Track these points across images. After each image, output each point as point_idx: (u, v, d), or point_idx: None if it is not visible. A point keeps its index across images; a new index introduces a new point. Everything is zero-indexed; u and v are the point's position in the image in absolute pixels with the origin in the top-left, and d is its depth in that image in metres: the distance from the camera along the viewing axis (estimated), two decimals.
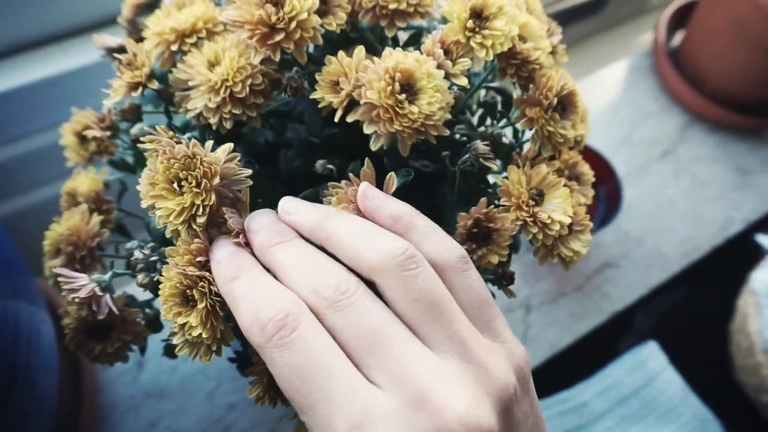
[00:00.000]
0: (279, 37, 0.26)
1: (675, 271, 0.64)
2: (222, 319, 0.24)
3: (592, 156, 0.58)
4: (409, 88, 0.25)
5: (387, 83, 0.24)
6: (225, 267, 0.23)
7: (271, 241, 0.23)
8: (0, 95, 0.43)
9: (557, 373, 0.57)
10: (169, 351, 0.32)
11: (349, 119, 0.25)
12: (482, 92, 0.36)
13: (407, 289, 0.22)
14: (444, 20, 0.32)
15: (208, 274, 0.24)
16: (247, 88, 0.26)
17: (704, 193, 0.69)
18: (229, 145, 0.25)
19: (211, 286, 0.23)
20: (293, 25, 0.26)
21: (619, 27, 0.84)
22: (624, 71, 0.78)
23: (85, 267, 0.29)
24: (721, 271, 0.64)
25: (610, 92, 0.76)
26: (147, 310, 0.31)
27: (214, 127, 0.27)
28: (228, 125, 0.27)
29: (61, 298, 0.50)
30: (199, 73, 0.26)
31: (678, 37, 0.78)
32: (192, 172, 0.24)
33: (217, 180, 0.24)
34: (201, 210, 0.23)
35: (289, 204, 0.25)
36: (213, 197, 0.24)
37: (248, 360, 0.33)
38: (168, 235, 0.24)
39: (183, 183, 0.24)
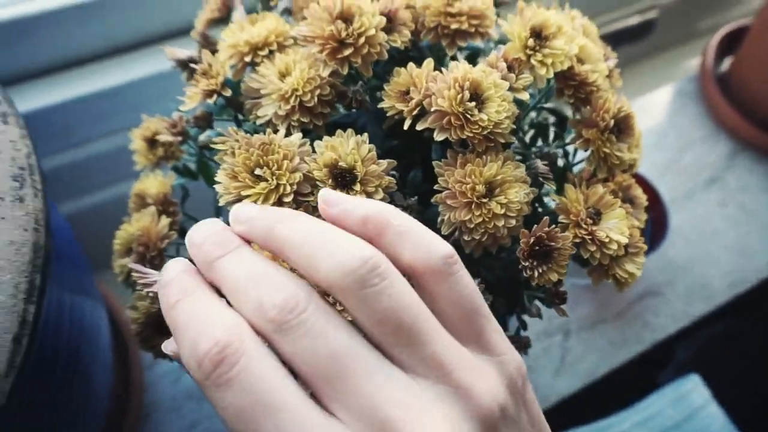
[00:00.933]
0: (347, 52, 0.27)
1: (720, 302, 0.62)
2: None
3: (638, 181, 0.58)
4: (477, 97, 0.26)
5: (457, 92, 0.25)
6: (170, 290, 0.20)
7: (213, 253, 0.20)
8: (71, 101, 0.46)
9: (593, 402, 0.56)
10: None
11: (419, 127, 0.26)
12: (532, 114, 0.37)
13: (371, 309, 0.18)
14: (500, 41, 0.33)
15: None
16: (315, 98, 0.27)
17: (752, 223, 0.68)
18: (299, 134, 0.27)
19: None
20: (362, 40, 0.27)
21: (666, 51, 0.83)
22: (670, 96, 0.77)
23: (154, 267, 0.30)
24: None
25: (656, 117, 0.75)
26: None
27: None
28: (295, 132, 0.28)
29: (115, 300, 0.52)
30: (271, 82, 0.28)
31: (726, 63, 0.77)
32: (272, 156, 0.25)
33: (297, 160, 0.25)
34: (288, 188, 0.25)
35: (240, 210, 0.21)
36: (297, 176, 0.25)
37: None
38: None
39: (264, 169, 0.25)
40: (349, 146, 0.26)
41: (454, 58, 0.32)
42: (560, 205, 0.28)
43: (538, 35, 0.29)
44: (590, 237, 0.27)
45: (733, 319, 0.62)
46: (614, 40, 0.75)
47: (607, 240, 0.27)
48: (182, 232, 0.36)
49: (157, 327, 0.29)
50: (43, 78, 0.46)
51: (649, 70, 0.82)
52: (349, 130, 0.27)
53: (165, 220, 0.31)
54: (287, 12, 0.33)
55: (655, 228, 0.58)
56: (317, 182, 0.26)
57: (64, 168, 0.49)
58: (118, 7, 0.46)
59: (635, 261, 0.29)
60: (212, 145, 0.29)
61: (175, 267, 0.21)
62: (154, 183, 0.34)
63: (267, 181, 0.25)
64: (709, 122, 0.75)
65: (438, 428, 0.17)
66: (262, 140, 0.26)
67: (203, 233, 0.21)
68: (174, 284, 0.20)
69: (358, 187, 0.26)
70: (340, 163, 0.26)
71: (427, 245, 0.20)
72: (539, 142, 0.36)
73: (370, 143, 0.29)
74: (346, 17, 0.27)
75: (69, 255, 0.40)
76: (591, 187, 0.29)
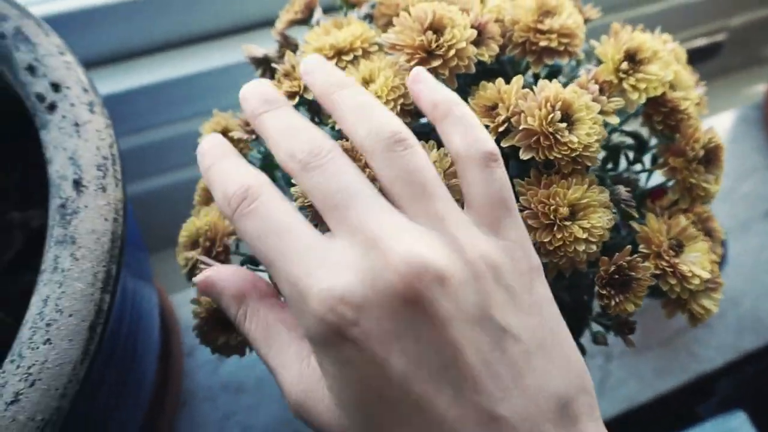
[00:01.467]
0: (436, 63, 0.26)
1: None
2: None
3: None
4: (567, 118, 0.25)
5: (548, 111, 0.25)
6: (205, 156, 0.24)
7: (259, 108, 0.24)
8: (143, 88, 0.46)
9: (631, 429, 0.55)
10: None
11: (504, 144, 0.26)
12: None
13: (390, 167, 0.22)
14: (586, 59, 0.32)
15: None
16: (398, 107, 0.27)
17: None
18: None
19: None
20: (451, 53, 0.26)
21: (730, 75, 0.81)
22: (731, 122, 0.75)
23: (219, 262, 0.30)
24: None
25: None
26: None
27: None
28: None
29: (163, 288, 0.52)
30: None
31: None
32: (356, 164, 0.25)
33: None
34: None
35: (309, 62, 0.26)
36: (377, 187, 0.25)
37: None
38: None
39: None
40: (431, 158, 0.26)
41: (537, 75, 0.31)
42: (642, 234, 0.27)
43: (632, 59, 0.28)
44: (672, 269, 0.26)
45: None
46: None
47: (689, 274, 0.26)
48: None
49: (217, 322, 0.29)
50: (116, 64, 0.47)
51: (712, 93, 0.79)
52: (431, 141, 0.27)
53: None
54: (369, 17, 0.33)
55: None
56: None
57: (126, 152, 0.50)
58: None
59: (713, 297, 0.28)
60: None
61: (209, 138, 0.25)
62: None
63: None
64: None
65: (415, 245, 0.20)
66: (344, 147, 0.26)
67: (251, 90, 0.25)
68: (209, 151, 0.25)
69: None
70: None
71: (476, 137, 0.23)
72: (609, 164, 0.35)
73: None
74: (437, 28, 0.27)
75: (132, 240, 0.40)
76: (674, 217, 0.28)
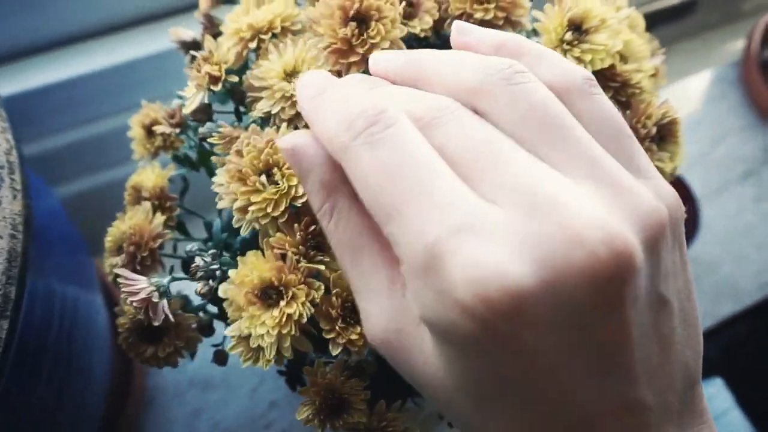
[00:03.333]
0: (354, 59, 0.24)
1: (748, 303, 0.59)
2: (302, 330, 0.23)
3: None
4: None
5: None
6: (310, 85, 0.20)
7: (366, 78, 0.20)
8: (68, 80, 0.43)
9: None
10: (219, 358, 0.32)
11: None
12: None
13: (515, 102, 0.17)
14: (536, 31, 0.30)
15: (313, 281, 0.23)
16: None
17: None
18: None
19: (309, 296, 0.22)
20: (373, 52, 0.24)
21: (706, 33, 0.78)
22: (708, 82, 0.72)
23: (145, 268, 0.28)
24: None
25: (691, 105, 0.71)
26: (201, 314, 0.31)
27: None
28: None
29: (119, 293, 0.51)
30: (273, 85, 0.25)
31: None
32: (282, 157, 0.23)
33: None
34: (301, 190, 0.23)
35: (377, 56, 0.21)
36: None
37: (299, 378, 0.32)
38: (245, 232, 0.24)
39: (275, 171, 0.23)
40: None
41: None
42: None
43: (578, 28, 0.25)
44: None
45: (761, 320, 0.59)
46: (652, 21, 0.70)
47: None
48: (180, 228, 0.34)
49: (143, 334, 0.27)
50: (40, 56, 0.44)
51: (688, 52, 0.77)
52: None
53: (159, 218, 0.29)
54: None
55: (686, 225, 0.55)
56: None
57: (64, 149, 0.47)
58: None
59: None
60: (210, 140, 0.26)
61: (313, 73, 0.20)
62: (151, 176, 0.31)
63: (277, 184, 0.23)
64: (749, 112, 0.70)
65: (598, 211, 0.15)
66: (270, 136, 0.23)
67: (346, 80, 0.20)
68: (315, 82, 0.19)
69: None
70: None
71: (565, 66, 0.19)
72: None
73: None
74: (363, 17, 0.24)
75: (62, 242, 0.38)
76: None
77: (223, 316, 0.29)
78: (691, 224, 0.55)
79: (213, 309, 0.31)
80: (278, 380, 0.53)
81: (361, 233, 0.19)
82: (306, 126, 0.25)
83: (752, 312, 0.59)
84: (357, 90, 0.19)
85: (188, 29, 0.34)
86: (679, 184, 0.54)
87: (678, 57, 0.76)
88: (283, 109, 0.25)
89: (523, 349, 0.15)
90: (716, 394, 0.54)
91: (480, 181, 0.16)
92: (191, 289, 0.30)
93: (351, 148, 0.17)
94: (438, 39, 0.30)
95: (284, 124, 0.25)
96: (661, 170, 0.27)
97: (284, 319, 0.22)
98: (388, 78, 0.20)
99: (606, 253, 0.15)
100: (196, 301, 0.31)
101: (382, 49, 0.24)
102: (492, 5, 0.26)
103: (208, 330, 0.31)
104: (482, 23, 0.27)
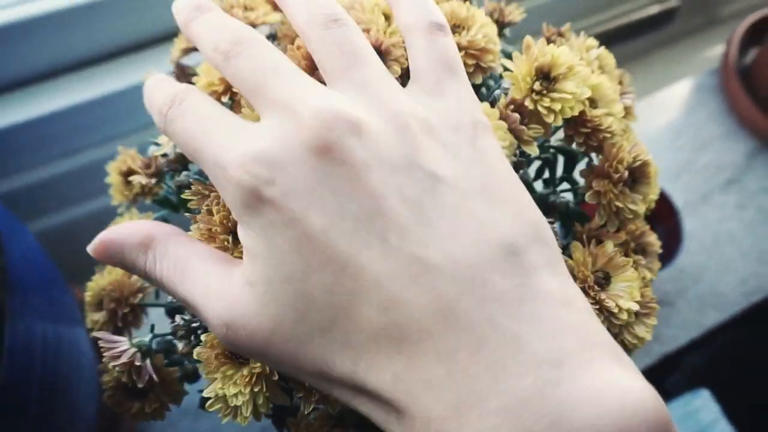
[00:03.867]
0: None
1: (734, 312, 0.60)
2: (273, 386, 0.23)
3: None
4: None
5: None
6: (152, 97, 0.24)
7: (189, 15, 0.24)
8: (43, 117, 0.43)
9: None
10: (205, 404, 0.32)
11: None
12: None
13: (323, 44, 0.22)
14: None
15: None
16: None
17: None
18: None
19: None
20: None
21: (686, 39, 0.79)
22: (688, 90, 0.73)
23: (127, 323, 0.28)
24: None
25: (672, 113, 0.71)
26: (186, 362, 0.31)
27: None
28: None
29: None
30: None
31: (752, 54, 0.73)
32: None
33: None
34: None
35: None
36: None
37: (284, 416, 0.32)
38: None
39: None
40: None
41: None
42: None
43: (546, 76, 0.26)
44: (597, 306, 0.25)
45: (747, 329, 0.60)
46: (632, 31, 0.70)
47: (616, 310, 0.25)
48: None
49: (129, 391, 0.27)
50: (9, 94, 0.44)
51: (668, 61, 0.77)
52: None
53: None
54: (272, 38, 0.30)
55: (669, 242, 0.55)
56: None
57: (39, 184, 0.47)
58: (92, 15, 0.43)
59: (646, 323, 0.27)
60: (183, 196, 0.26)
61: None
62: None
63: None
64: (730, 119, 0.71)
65: (327, 99, 0.20)
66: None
67: (183, 3, 0.24)
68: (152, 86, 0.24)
69: None
70: None
71: (424, 10, 0.24)
72: (546, 174, 0.33)
73: None
74: None
75: (40, 281, 0.38)
76: (600, 246, 0.26)
77: None
78: (674, 237, 0.55)
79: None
80: None
81: (181, 258, 0.22)
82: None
83: (737, 321, 0.60)
84: (162, 83, 0.24)
85: (160, 71, 0.34)
86: (663, 200, 0.55)
87: (658, 65, 0.77)
88: None
89: (293, 215, 0.19)
90: (703, 406, 0.55)
91: (257, 104, 0.21)
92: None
93: (166, 130, 0.23)
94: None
95: None
96: (634, 212, 0.27)
97: (254, 378, 0.22)
98: None
99: (316, 123, 0.19)
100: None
101: None
102: (461, 53, 0.26)
103: (193, 377, 0.31)
104: None
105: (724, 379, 0.57)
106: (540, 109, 0.25)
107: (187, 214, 0.27)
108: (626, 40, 0.71)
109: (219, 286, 0.21)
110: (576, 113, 0.25)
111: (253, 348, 0.20)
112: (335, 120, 0.19)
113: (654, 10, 0.70)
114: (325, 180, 0.19)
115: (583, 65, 0.26)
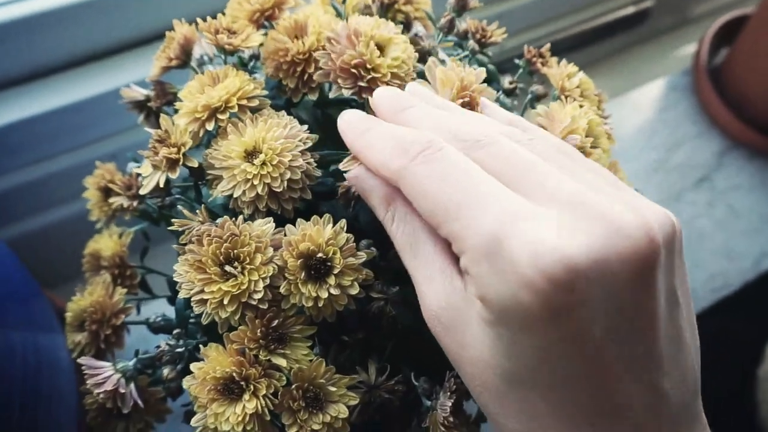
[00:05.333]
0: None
1: (702, 306, 0.62)
2: (265, 423, 0.23)
3: None
4: None
5: None
6: (356, 124, 0.23)
7: (400, 105, 0.23)
8: (23, 121, 0.42)
9: None
10: (189, 418, 0.32)
11: None
12: None
13: (543, 143, 0.22)
14: None
15: (274, 372, 0.23)
16: (285, 184, 0.24)
17: (739, 224, 0.67)
18: (270, 221, 0.25)
19: (270, 387, 0.23)
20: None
21: (658, 39, 0.80)
22: (661, 90, 0.74)
23: (109, 345, 0.28)
24: (751, 308, 0.62)
25: (646, 113, 0.73)
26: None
27: (246, 217, 0.25)
28: (260, 217, 0.25)
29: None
30: (235, 166, 0.25)
31: (723, 54, 0.74)
32: (242, 249, 0.23)
33: (270, 252, 0.23)
34: (260, 285, 0.23)
35: (412, 87, 0.25)
36: (270, 270, 0.23)
37: None
38: (205, 322, 0.23)
39: (235, 264, 0.23)
40: (326, 235, 0.24)
41: None
42: None
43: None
44: None
45: (716, 323, 0.62)
46: (607, 31, 0.71)
47: None
48: (143, 286, 0.33)
49: (110, 412, 0.27)
50: None
51: (642, 60, 0.78)
52: (326, 216, 0.24)
53: (120, 293, 0.29)
54: (255, 58, 0.30)
55: None
56: (287, 276, 0.24)
57: (12, 190, 0.46)
58: (70, 18, 0.42)
59: None
60: (171, 228, 0.26)
61: (353, 111, 0.24)
62: (109, 243, 0.31)
63: (236, 278, 0.23)
64: (701, 119, 0.72)
65: (630, 210, 0.18)
66: (231, 231, 0.23)
67: (384, 94, 0.24)
68: (359, 121, 0.23)
69: (332, 279, 0.24)
70: (318, 254, 0.24)
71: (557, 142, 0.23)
72: None
73: (344, 213, 0.27)
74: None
75: (13, 291, 0.37)
76: None
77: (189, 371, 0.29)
78: None
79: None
80: None
81: (416, 230, 0.22)
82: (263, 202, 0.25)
83: (706, 315, 0.62)
84: (404, 128, 0.22)
85: (142, 89, 0.33)
86: None
87: (633, 65, 0.78)
88: (244, 192, 0.25)
89: (574, 329, 0.17)
90: None
91: (522, 188, 0.19)
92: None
93: (408, 167, 0.20)
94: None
95: (246, 211, 0.25)
96: None
97: (247, 417, 0.22)
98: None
99: (643, 239, 0.17)
100: None
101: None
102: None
103: (177, 393, 0.31)
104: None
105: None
106: None
107: (170, 228, 0.26)
108: (602, 40, 0.72)
109: (441, 284, 0.21)
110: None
111: (453, 351, 0.20)
112: (654, 244, 0.17)
113: (629, 10, 0.70)
114: (628, 303, 0.17)
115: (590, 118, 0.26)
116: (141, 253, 0.34)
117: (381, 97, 0.24)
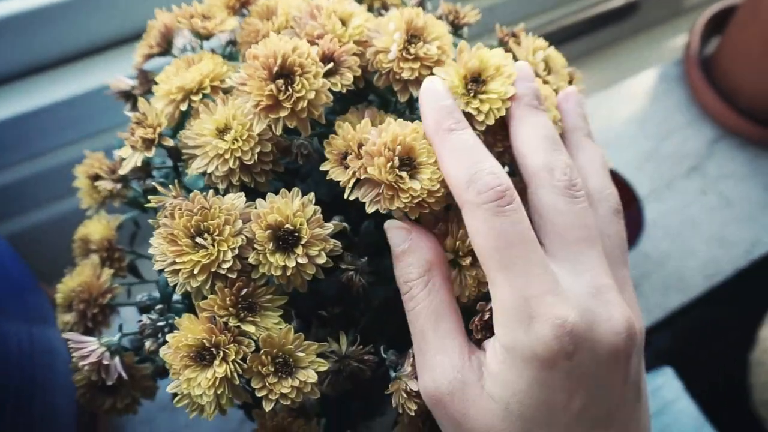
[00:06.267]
0: (283, 114, 0.25)
1: (695, 294, 0.62)
2: (235, 387, 0.24)
3: (614, 179, 0.57)
4: (410, 162, 0.25)
5: (387, 158, 0.24)
6: (438, 115, 0.25)
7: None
8: (12, 118, 0.43)
9: None
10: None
11: (351, 197, 0.25)
12: None
13: (568, 210, 0.25)
14: None
15: (243, 338, 0.24)
16: (256, 156, 0.26)
17: (731, 212, 0.67)
18: (241, 195, 0.26)
19: (239, 353, 0.24)
20: (301, 104, 0.25)
21: (650, 30, 0.80)
22: (653, 81, 0.75)
23: (96, 324, 0.29)
24: (743, 295, 0.63)
25: (638, 103, 0.73)
26: (156, 358, 0.31)
27: (221, 192, 0.26)
28: (234, 191, 0.26)
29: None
30: (207, 143, 0.26)
31: (714, 44, 0.75)
32: (213, 222, 0.24)
33: (239, 224, 0.24)
34: (229, 255, 0.24)
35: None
36: (239, 241, 0.24)
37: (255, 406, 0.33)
38: (179, 293, 0.24)
39: (205, 236, 0.24)
40: (294, 207, 0.25)
41: (411, 101, 0.30)
42: None
43: (477, 80, 0.27)
44: None
45: (708, 310, 0.62)
46: (598, 22, 0.72)
47: None
48: (132, 270, 0.34)
49: (100, 388, 0.28)
50: None
51: (633, 51, 0.79)
52: (295, 189, 0.25)
53: (107, 273, 0.30)
54: (232, 44, 0.31)
55: (631, 228, 0.57)
56: (256, 246, 0.25)
57: (8, 186, 0.47)
58: (63, 14, 0.43)
59: None
60: (148, 205, 0.27)
61: (444, 90, 0.26)
62: (98, 227, 0.32)
63: (206, 249, 0.24)
64: (693, 108, 0.73)
65: (626, 311, 0.24)
66: (202, 204, 0.24)
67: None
68: (442, 112, 0.25)
69: (300, 249, 0.25)
70: (286, 225, 0.25)
71: (606, 184, 0.29)
72: None
73: (317, 191, 0.28)
74: (287, 73, 0.25)
75: (11, 282, 0.39)
76: None
77: None
78: (635, 224, 0.57)
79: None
80: None
81: (445, 306, 0.25)
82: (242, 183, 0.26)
83: (699, 303, 0.62)
84: (484, 150, 0.25)
85: (129, 79, 0.34)
86: (622, 184, 0.57)
87: (624, 56, 0.78)
88: (217, 167, 0.26)
89: (565, 389, 0.23)
90: (666, 383, 0.57)
91: (560, 251, 0.25)
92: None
93: (480, 209, 0.23)
94: (368, 86, 0.31)
95: (221, 187, 0.26)
96: None
97: (217, 381, 0.23)
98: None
99: (627, 334, 0.24)
100: None
101: (309, 101, 0.25)
102: (417, 65, 0.27)
103: (163, 373, 0.32)
104: (408, 81, 0.28)
105: (686, 358, 0.60)
106: (471, 110, 0.26)
107: (147, 206, 0.27)
108: (593, 32, 0.73)
109: (459, 359, 0.24)
110: (503, 113, 0.26)
111: (454, 421, 0.24)
112: (634, 337, 0.24)
113: (620, 2, 0.71)
114: (604, 376, 0.24)
115: (510, 66, 0.27)
116: (130, 238, 0.35)
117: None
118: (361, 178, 0.24)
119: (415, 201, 0.24)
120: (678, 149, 0.71)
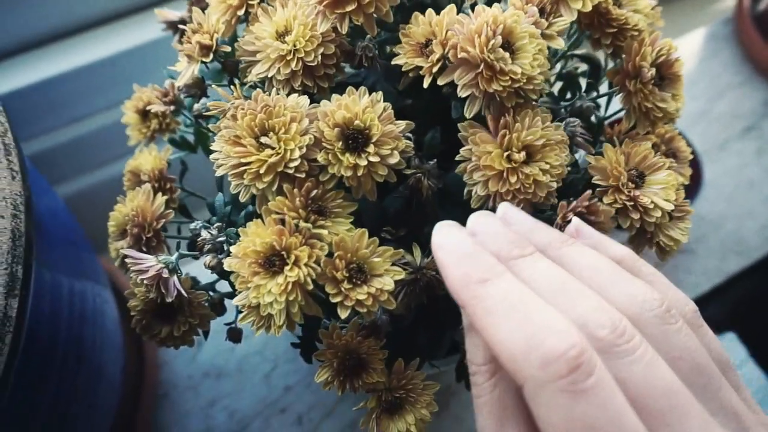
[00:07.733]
0: (350, 8, 0.24)
1: (755, 257, 0.59)
2: (307, 296, 0.23)
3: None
4: (508, 46, 0.23)
5: (488, 37, 0.22)
6: (466, 262, 0.18)
7: (510, 252, 0.19)
8: (60, 76, 0.43)
9: None
10: (233, 335, 0.31)
11: (441, 81, 0.23)
12: (558, 64, 0.33)
13: (671, 344, 0.18)
14: None
15: (316, 241, 0.22)
16: (319, 58, 0.24)
17: None
18: (304, 97, 0.24)
19: (312, 257, 0.22)
20: None
21: None
22: (701, 40, 0.72)
23: (151, 249, 0.28)
24: None
25: (687, 63, 0.70)
26: (211, 293, 0.30)
27: None
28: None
29: (126, 278, 0.50)
30: (268, 45, 0.24)
31: (766, 1, 0.71)
32: (278, 119, 0.22)
33: (306, 122, 0.23)
34: (297, 153, 0.22)
35: (510, 212, 0.21)
36: (306, 139, 0.23)
37: (314, 348, 0.32)
38: (244, 198, 0.23)
39: (270, 134, 0.23)
40: (362, 103, 0.23)
41: (473, 4, 0.28)
42: (598, 166, 0.25)
43: None
44: (632, 203, 0.24)
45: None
46: None
47: (651, 206, 0.24)
48: (182, 209, 0.33)
49: (156, 315, 0.27)
50: (28, 53, 0.43)
51: (678, 12, 0.76)
52: (362, 88, 0.24)
53: (161, 198, 0.29)
54: None
55: (688, 184, 0.55)
56: (326, 145, 0.23)
57: (60, 147, 0.47)
58: None
59: (680, 227, 0.26)
60: (207, 113, 0.26)
61: (453, 231, 0.19)
62: (149, 159, 0.31)
63: (273, 148, 0.23)
64: (746, 67, 0.69)
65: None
66: (265, 101, 0.23)
67: (487, 226, 0.20)
68: (470, 257, 0.18)
69: (371, 149, 0.23)
70: (355, 122, 0.23)
71: (679, 296, 0.20)
72: (568, 95, 0.33)
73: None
74: None
75: (66, 238, 0.38)
76: (635, 145, 0.25)
77: (233, 294, 0.29)
78: (694, 184, 0.54)
79: (222, 287, 0.31)
80: (291, 364, 0.53)
81: (512, 406, 0.19)
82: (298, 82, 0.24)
83: (760, 266, 0.59)
84: (536, 302, 0.18)
85: (176, 11, 0.33)
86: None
87: (672, 16, 0.75)
88: (278, 70, 0.25)
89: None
90: (730, 348, 0.54)
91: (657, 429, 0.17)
92: (199, 271, 0.30)
93: (547, 390, 0.16)
94: None
95: (274, 90, 0.24)
96: (664, 112, 0.26)
97: (289, 286, 0.22)
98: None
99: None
100: (205, 281, 0.31)
101: (380, 5, 0.24)
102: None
103: (219, 308, 0.31)
104: None
105: (749, 322, 0.56)
106: None
107: (207, 114, 0.26)
108: None
109: None
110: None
111: None
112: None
113: None
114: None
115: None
116: (179, 175, 0.34)
117: (478, 228, 0.20)
118: (455, 60, 0.23)
119: (515, 85, 0.22)
120: (731, 109, 0.67)
